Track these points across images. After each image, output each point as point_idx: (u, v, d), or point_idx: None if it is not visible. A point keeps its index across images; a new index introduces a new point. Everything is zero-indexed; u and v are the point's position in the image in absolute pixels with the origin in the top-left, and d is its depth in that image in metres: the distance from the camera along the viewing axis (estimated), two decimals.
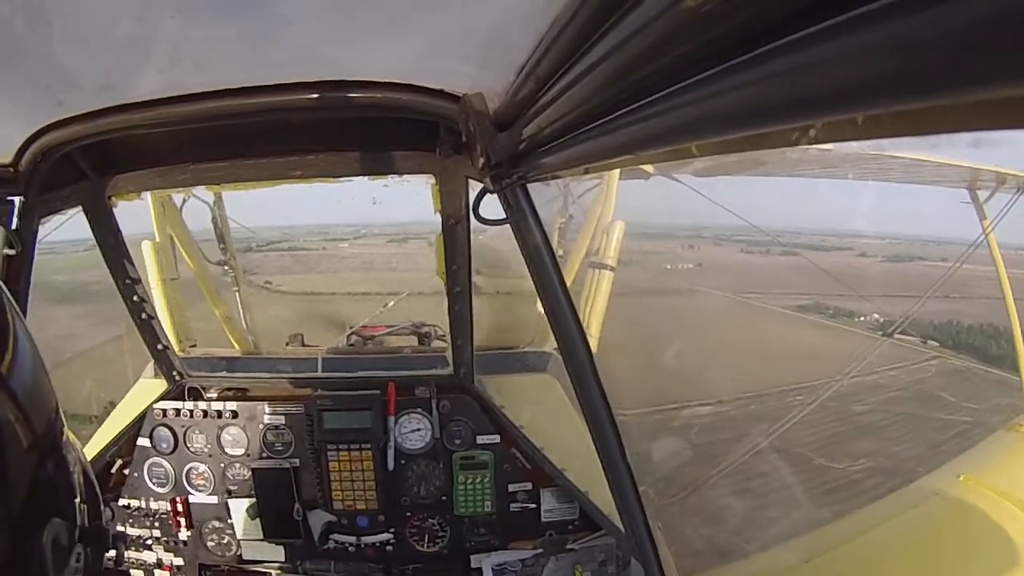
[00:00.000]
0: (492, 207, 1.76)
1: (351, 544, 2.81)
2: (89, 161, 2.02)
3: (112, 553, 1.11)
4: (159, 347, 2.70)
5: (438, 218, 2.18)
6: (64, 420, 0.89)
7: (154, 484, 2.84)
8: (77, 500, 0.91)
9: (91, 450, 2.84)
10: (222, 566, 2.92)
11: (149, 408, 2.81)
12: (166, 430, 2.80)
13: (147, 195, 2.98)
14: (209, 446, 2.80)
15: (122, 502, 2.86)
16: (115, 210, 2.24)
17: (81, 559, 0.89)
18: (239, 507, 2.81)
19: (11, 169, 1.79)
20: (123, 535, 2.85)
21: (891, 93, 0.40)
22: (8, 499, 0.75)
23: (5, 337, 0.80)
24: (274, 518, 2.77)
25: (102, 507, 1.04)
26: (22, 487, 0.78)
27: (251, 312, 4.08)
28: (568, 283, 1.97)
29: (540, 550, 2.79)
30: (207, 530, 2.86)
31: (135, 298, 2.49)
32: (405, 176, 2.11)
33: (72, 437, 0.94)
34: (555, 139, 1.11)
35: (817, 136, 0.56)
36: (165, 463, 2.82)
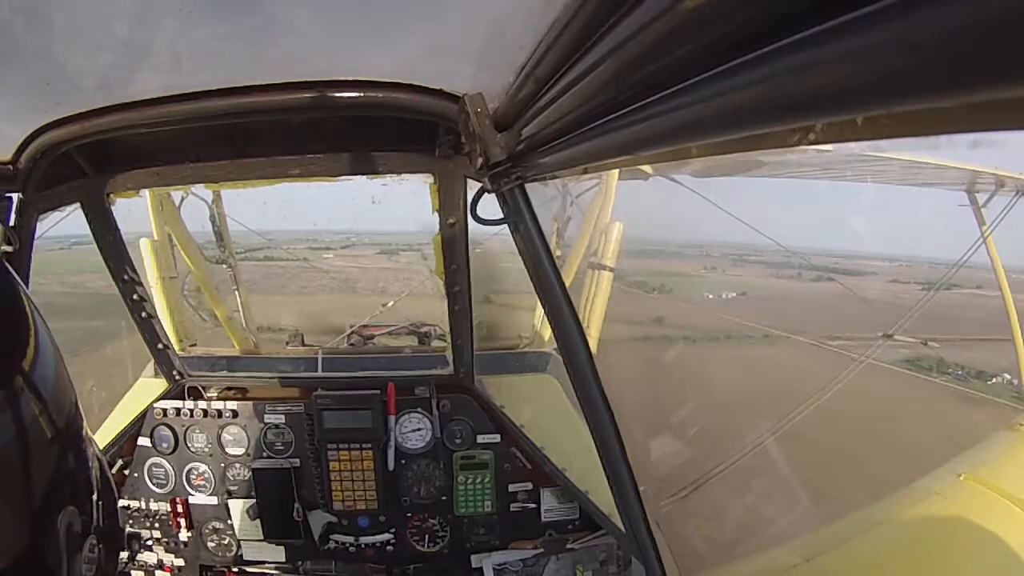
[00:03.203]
0: (491, 208, 1.76)
1: (351, 544, 2.81)
2: (88, 158, 2.02)
3: (125, 555, 1.12)
4: (159, 346, 2.69)
5: (435, 223, 2.18)
6: (83, 415, 0.90)
7: (154, 485, 2.84)
8: (94, 496, 0.93)
9: None
10: (222, 567, 2.92)
11: (149, 407, 2.81)
12: (167, 429, 2.80)
13: (145, 193, 2.97)
14: (209, 446, 2.81)
15: (122, 503, 2.85)
16: (113, 208, 2.24)
17: (96, 552, 0.90)
18: (239, 508, 2.82)
19: (10, 166, 1.79)
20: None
21: (891, 93, 0.40)
22: (29, 487, 0.77)
23: (27, 333, 0.81)
24: (274, 518, 2.78)
25: (118, 505, 1.04)
26: (44, 476, 0.80)
27: (251, 311, 4.08)
28: (567, 283, 1.96)
29: (540, 550, 2.79)
30: (207, 531, 2.86)
31: (134, 296, 2.49)
32: (403, 176, 2.11)
33: (89, 433, 0.95)
34: (554, 139, 1.11)
35: (817, 136, 0.56)
36: (165, 463, 2.83)
